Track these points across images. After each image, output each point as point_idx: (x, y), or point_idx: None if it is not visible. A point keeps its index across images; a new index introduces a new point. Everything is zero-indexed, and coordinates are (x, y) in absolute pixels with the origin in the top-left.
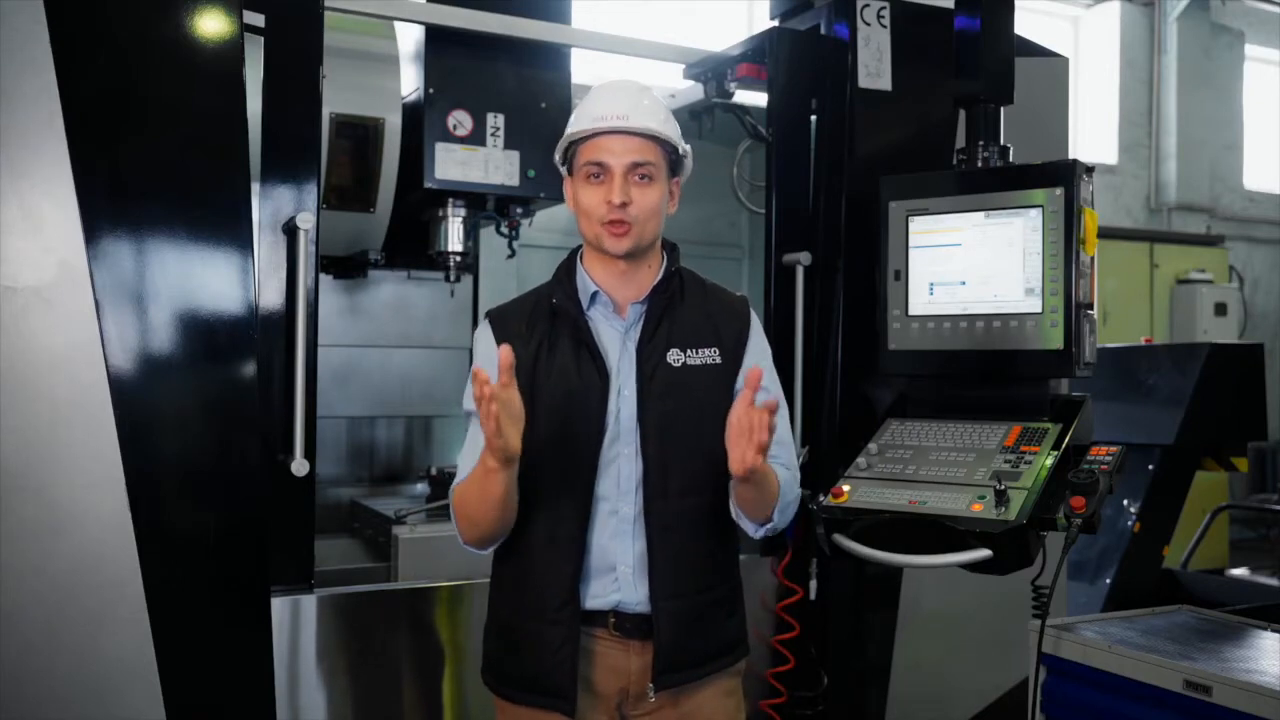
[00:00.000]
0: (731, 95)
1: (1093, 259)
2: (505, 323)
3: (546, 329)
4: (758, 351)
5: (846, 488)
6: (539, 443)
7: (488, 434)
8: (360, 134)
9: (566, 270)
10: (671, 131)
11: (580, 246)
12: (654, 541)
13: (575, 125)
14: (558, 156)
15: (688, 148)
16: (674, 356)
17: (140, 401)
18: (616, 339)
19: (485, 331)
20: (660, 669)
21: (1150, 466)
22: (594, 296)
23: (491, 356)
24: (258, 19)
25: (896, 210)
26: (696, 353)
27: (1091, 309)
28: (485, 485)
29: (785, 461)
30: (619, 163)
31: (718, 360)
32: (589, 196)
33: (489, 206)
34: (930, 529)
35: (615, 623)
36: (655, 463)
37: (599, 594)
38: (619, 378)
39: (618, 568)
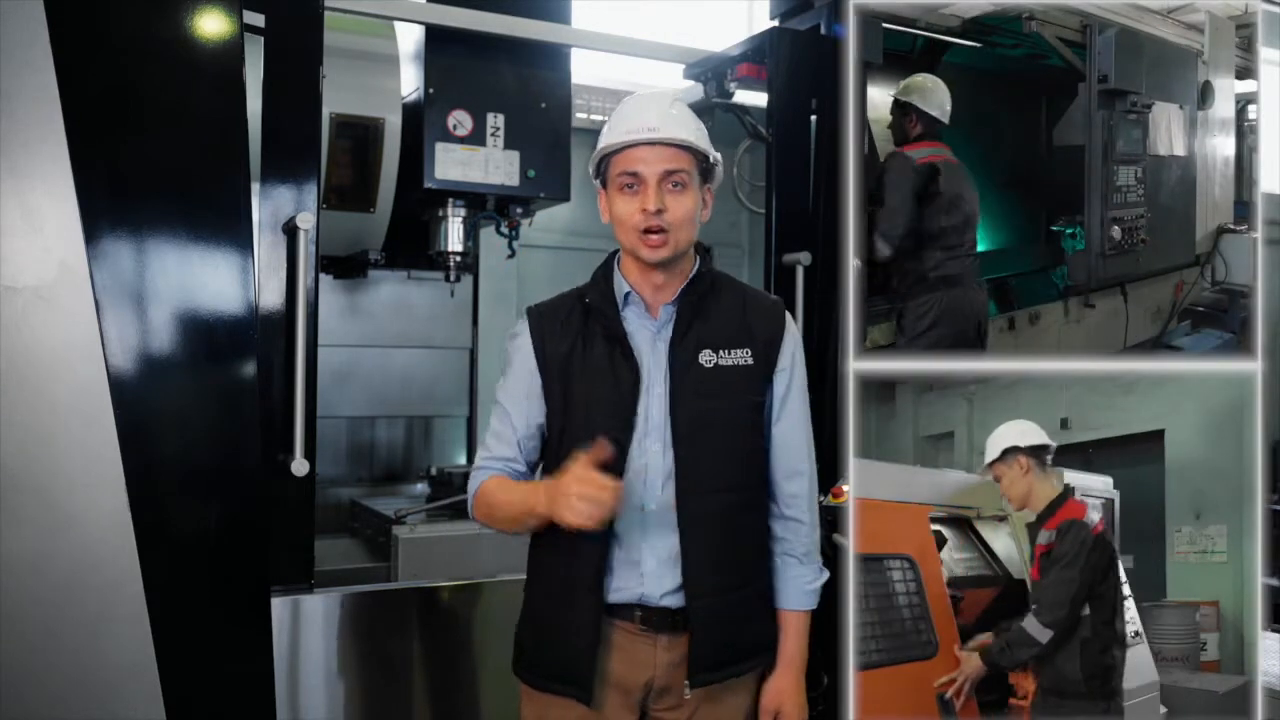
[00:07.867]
0: (731, 95)
1: None
2: (543, 319)
3: (581, 326)
4: (788, 354)
5: (847, 488)
6: (571, 438)
7: (583, 521)
8: (360, 134)
9: (604, 272)
10: (702, 140)
11: (617, 251)
12: (686, 537)
13: (607, 138)
14: (590, 170)
15: (718, 156)
16: (706, 357)
17: (140, 401)
18: (649, 339)
19: (523, 327)
20: (694, 668)
21: None
22: (627, 297)
23: (529, 353)
24: (258, 19)
25: None
26: (729, 353)
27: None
28: (525, 521)
29: (807, 522)
30: (652, 171)
31: (749, 361)
32: (624, 206)
33: (489, 206)
34: None
35: (641, 616)
36: (688, 460)
37: (623, 587)
38: (649, 376)
39: (644, 562)
